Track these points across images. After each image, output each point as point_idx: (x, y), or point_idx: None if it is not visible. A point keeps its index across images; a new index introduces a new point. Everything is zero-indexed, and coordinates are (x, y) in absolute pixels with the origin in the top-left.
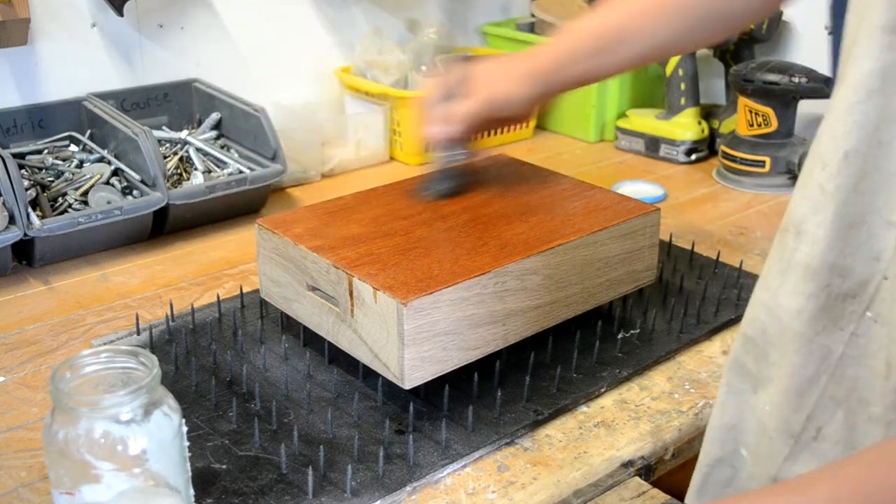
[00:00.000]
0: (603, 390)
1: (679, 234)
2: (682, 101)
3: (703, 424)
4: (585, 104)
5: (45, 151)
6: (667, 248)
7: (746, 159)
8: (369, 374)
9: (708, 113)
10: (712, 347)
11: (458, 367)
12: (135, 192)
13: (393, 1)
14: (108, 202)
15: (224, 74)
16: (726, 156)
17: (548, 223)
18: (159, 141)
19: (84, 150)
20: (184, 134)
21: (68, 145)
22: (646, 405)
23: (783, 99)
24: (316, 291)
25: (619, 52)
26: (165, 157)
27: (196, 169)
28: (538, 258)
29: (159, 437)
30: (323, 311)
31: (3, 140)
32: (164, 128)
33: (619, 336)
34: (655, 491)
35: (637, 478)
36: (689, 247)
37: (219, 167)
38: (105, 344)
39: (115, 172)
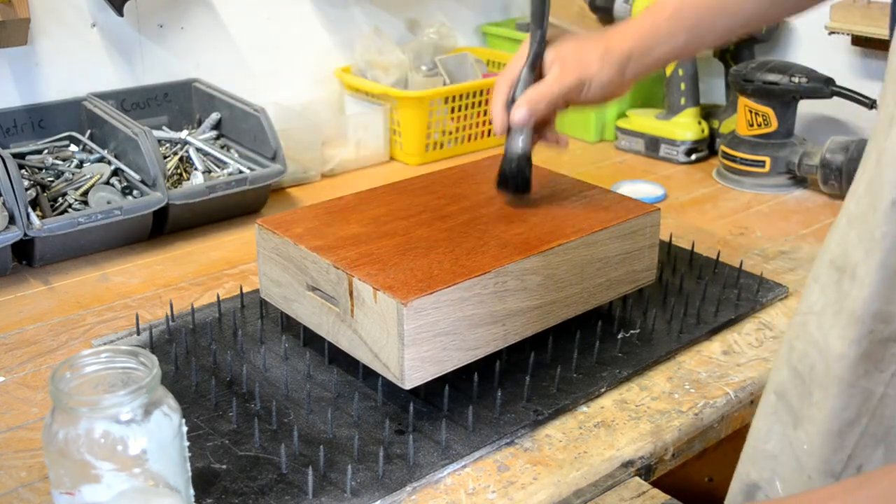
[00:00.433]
0: (603, 390)
1: (679, 234)
2: (682, 101)
3: (703, 424)
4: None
5: (45, 151)
6: (667, 248)
7: (746, 159)
8: (369, 374)
9: (708, 113)
10: (712, 347)
11: (458, 367)
12: (135, 192)
13: (393, 1)
14: (108, 202)
15: (224, 74)
16: (726, 156)
17: (548, 223)
18: (159, 141)
19: (84, 150)
20: (184, 134)
21: (68, 145)
22: (646, 405)
23: (783, 99)
24: (316, 291)
25: (704, 32)
26: (165, 157)
27: (196, 169)
28: (538, 258)
29: (159, 437)
30: (323, 311)
31: (3, 140)
32: (164, 128)
33: (619, 336)
34: (655, 491)
35: (637, 478)
36: (689, 247)
37: (219, 167)
38: (105, 344)
39: (115, 172)
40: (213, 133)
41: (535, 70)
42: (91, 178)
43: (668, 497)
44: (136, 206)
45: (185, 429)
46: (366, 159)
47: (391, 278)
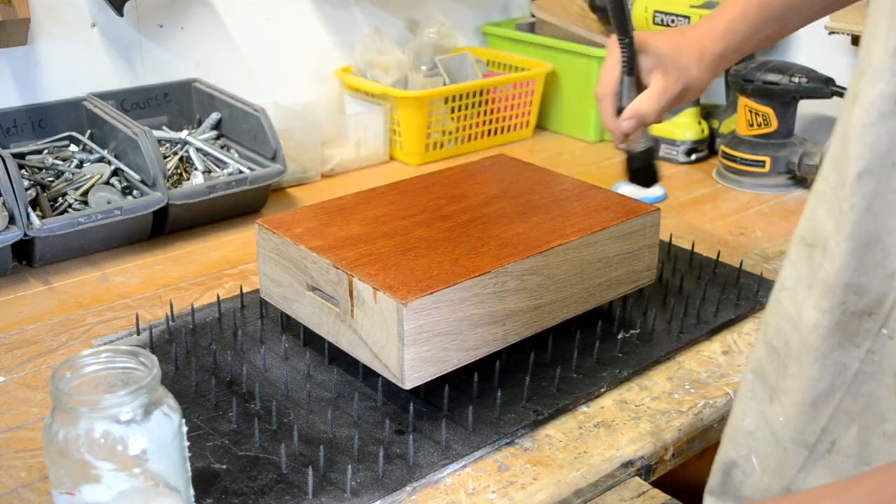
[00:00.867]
0: (603, 390)
1: (679, 234)
2: None
3: (703, 424)
4: (585, 104)
5: (45, 151)
6: (667, 248)
7: (746, 159)
8: (369, 374)
9: (708, 113)
10: (712, 347)
11: (458, 367)
12: (135, 192)
13: (393, 1)
14: (108, 202)
15: (224, 74)
16: (726, 156)
17: (548, 223)
18: (159, 141)
19: (84, 150)
20: (184, 134)
21: (68, 145)
22: (646, 405)
23: (783, 99)
24: (316, 291)
25: (791, 18)
26: (165, 157)
27: (196, 169)
28: (538, 258)
29: (159, 437)
30: (323, 311)
31: (3, 140)
32: (164, 128)
33: (619, 336)
34: (655, 491)
35: (637, 478)
36: (689, 247)
37: (219, 167)
38: (105, 344)
39: (115, 172)
40: (213, 133)
41: (634, 76)
42: (91, 178)
43: (668, 497)
44: (136, 206)
45: (185, 429)
46: (366, 159)
47: (391, 278)
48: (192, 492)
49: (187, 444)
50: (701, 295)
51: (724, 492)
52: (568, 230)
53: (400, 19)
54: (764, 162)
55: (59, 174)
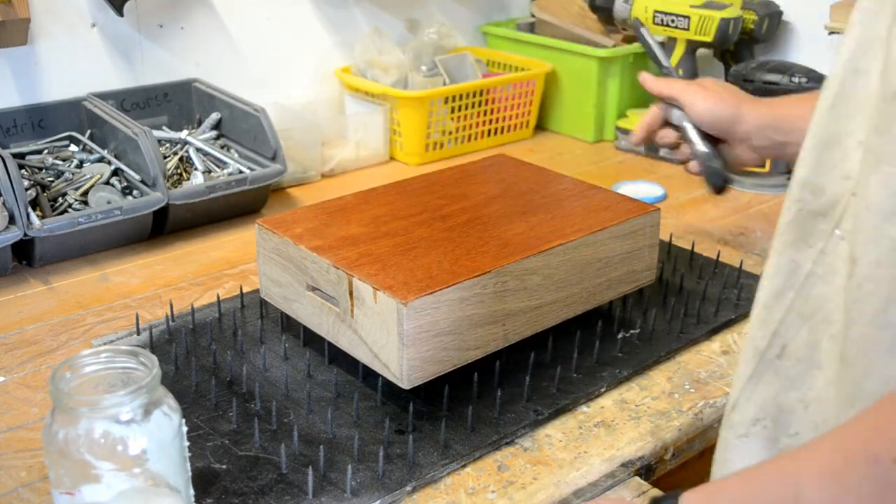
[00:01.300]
0: (603, 390)
1: (679, 234)
2: None
3: (703, 424)
4: (585, 104)
5: (45, 151)
6: (667, 248)
7: None
8: (369, 374)
9: None
10: (712, 347)
11: (458, 367)
12: (135, 192)
13: (393, 1)
14: (108, 202)
15: (224, 74)
16: None
17: (548, 223)
18: (159, 141)
19: (84, 150)
20: (184, 134)
21: (68, 145)
22: (646, 405)
23: None
24: (316, 291)
25: None
26: (165, 157)
27: (196, 169)
28: (538, 258)
29: (159, 437)
30: (323, 311)
31: (3, 140)
32: (164, 128)
33: (619, 336)
34: (655, 491)
35: (637, 478)
36: (689, 247)
37: (219, 167)
38: (105, 344)
39: (115, 172)
40: (213, 133)
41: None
42: (91, 178)
43: None
44: (136, 206)
45: (185, 429)
46: (366, 159)
47: (391, 278)
48: (192, 492)
49: (187, 444)
50: (701, 295)
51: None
52: (568, 230)
53: (400, 19)
54: (764, 162)
55: (59, 174)
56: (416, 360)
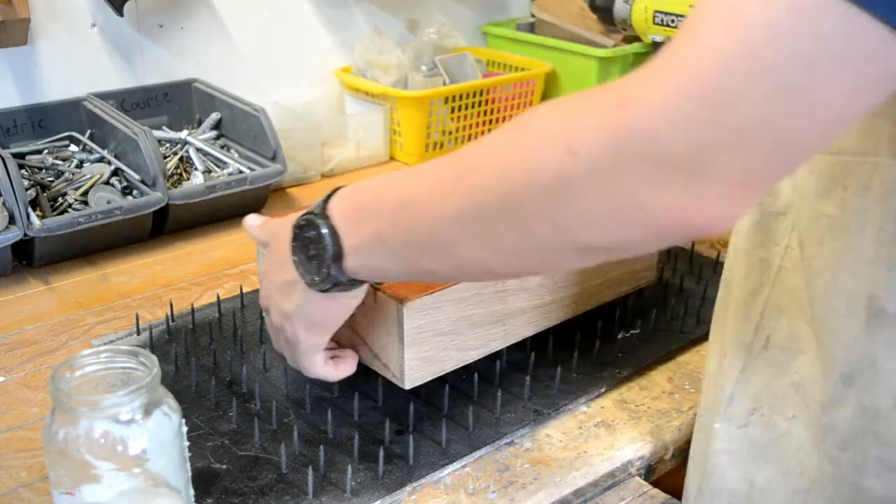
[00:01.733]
0: (603, 390)
1: None
2: None
3: None
4: None
5: (45, 151)
6: (667, 248)
7: None
8: (369, 374)
9: None
10: None
11: (458, 367)
12: (135, 191)
13: (393, 1)
14: (108, 202)
15: (224, 74)
16: None
17: None
18: (159, 141)
19: (84, 150)
20: (184, 134)
21: (68, 145)
22: (646, 405)
23: None
24: None
25: None
26: (165, 157)
27: (196, 169)
28: None
29: (159, 437)
30: None
31: (3, 140)
32: (164, 128)
33: (619, 336)
34: (655, 491)
35: (637, 478)
36: (689, 247)
37: (219, 167)
38: (105, 344)
39: (115, 172)
40: (213, 133)
41: None
42: (91, 178)
43: (668, 497)
44: (136, 205)
45: (185, 429)
46: (366, 159)
47: None
48: (192, 492)
49: (187, 444)
50: (701, 295)
51: None
52: None
53: (400, 19)
54: None
55: (59, 174)
56: (416, 360)
